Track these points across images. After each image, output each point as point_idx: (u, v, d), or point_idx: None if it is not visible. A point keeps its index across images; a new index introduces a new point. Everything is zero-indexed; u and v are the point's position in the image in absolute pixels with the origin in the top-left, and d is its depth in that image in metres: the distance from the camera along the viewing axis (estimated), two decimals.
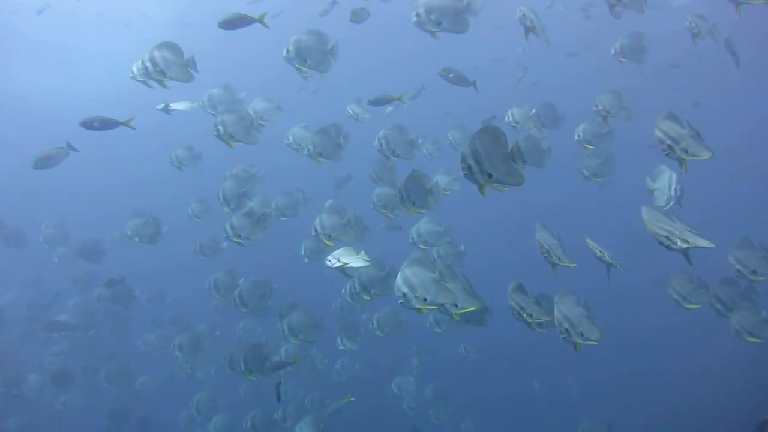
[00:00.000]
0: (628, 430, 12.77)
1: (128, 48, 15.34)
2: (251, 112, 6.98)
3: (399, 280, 3.94)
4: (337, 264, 6.09)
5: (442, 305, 4.12)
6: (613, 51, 6.74)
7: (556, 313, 4.26)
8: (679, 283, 5.17)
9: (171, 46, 5.65)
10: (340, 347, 9.80)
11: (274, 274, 8.29)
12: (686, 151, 3.58)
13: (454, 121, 8.72)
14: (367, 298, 6.38)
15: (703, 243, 3.93)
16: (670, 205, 4.88)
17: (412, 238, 6.84)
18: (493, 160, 3.54)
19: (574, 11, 16.41)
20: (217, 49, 19.69)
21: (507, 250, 18.73)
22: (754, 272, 4.72)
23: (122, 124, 6.70)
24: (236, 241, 6.79)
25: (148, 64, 5.56)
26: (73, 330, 10.12)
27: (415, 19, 4.92)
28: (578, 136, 6.61)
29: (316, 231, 6.12)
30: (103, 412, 10.73)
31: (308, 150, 6.23)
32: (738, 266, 4.78)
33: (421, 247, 6.88)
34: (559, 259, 4.78)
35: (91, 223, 14.11)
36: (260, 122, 6.92)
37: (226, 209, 7.09)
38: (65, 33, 20.61)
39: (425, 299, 3.90)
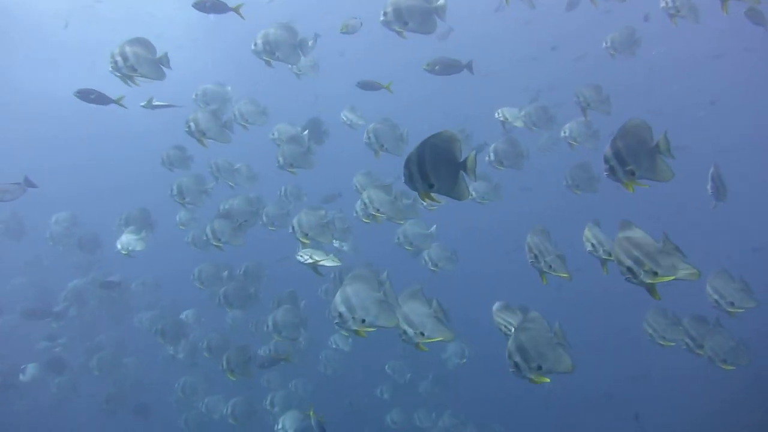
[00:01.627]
0: None
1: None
2: (236, 113, 6.88)
3: (337, 298, 3.56)
4: (309, 261, 5.97)
5: (404, 331, 3.70)
6: (604, 44, 6.75)
7: (510, 343, 3.68)
8: (654, 318, 4.91)
9: (143, 42, 5.49)
10: (333, 347, 9.72)
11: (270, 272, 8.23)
12: (632, 174, 3.21)
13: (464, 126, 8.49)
14: None
15: (683, 273, 3.23)
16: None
17: (398, 239, 6.67)
18: (438, 170, 3.21)
19: (588, 15, 15.83)
20: (231, 50, 19.56)
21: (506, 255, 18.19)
22: (732, 304, 4.43)
23: (114, 102, 6.54)
24: (216, 245, 6.71)
25: (119, 59, 5.36)
26: (58, 317, 10.25)
27: (382, 18, 4.76)
28: (564, 133, 6.45)
29: (293, 228, 5.98)
30: (102, 397, 10.90)
31: (279, 162, 6.08)
32: (715, 296, 4.49)
33: (407, 248, 6.71)
34: (550, 267, 4.36)
35: (93, 221, 14.24)
36: (244, 124, 6.82)
37: (180, 201, 7.01)
38: (93, 34, 20.63)
39: (363, 321, 3.52)
